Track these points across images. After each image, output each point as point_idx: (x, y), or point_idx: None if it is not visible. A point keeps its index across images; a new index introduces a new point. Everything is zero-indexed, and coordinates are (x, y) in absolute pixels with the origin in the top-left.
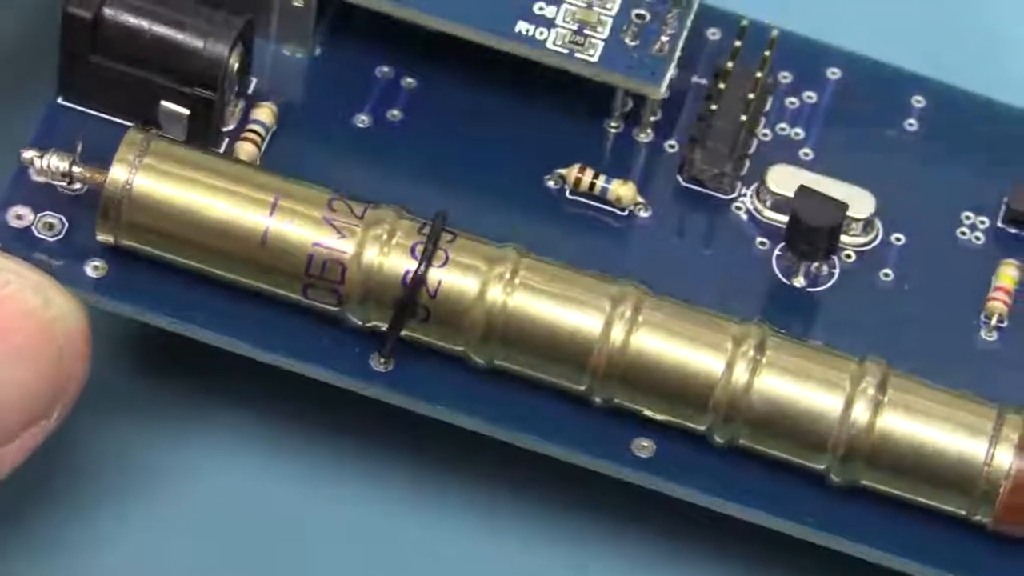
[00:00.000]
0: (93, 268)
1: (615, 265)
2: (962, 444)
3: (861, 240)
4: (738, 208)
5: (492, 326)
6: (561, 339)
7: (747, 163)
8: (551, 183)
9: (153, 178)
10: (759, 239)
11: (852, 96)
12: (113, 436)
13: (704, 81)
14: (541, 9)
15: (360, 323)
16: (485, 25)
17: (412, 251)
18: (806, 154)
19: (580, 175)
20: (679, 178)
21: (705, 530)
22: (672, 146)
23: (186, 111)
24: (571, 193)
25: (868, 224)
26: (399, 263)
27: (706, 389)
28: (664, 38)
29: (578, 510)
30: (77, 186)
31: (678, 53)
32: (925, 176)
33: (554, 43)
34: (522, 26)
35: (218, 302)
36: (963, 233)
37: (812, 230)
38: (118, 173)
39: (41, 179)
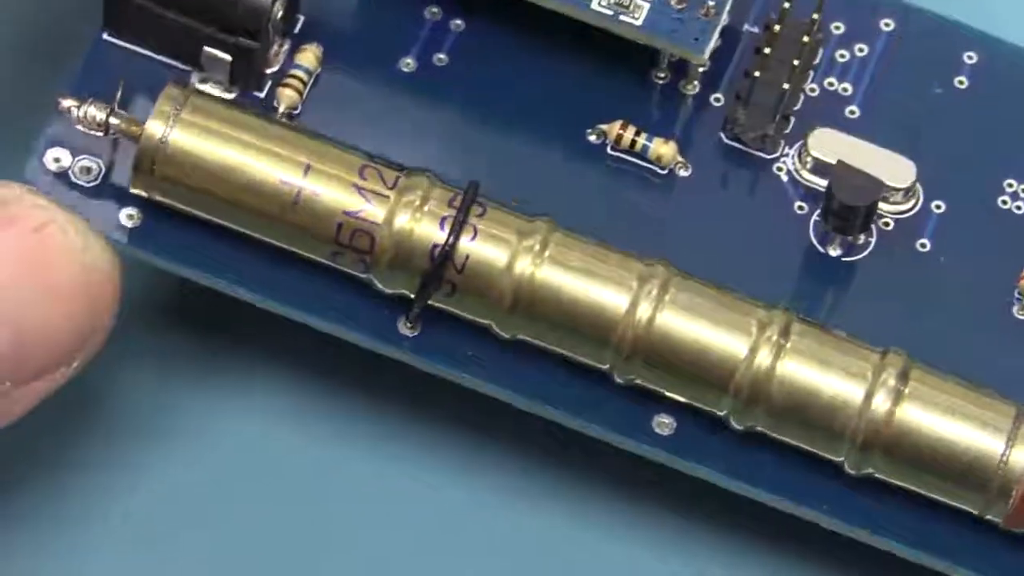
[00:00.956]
0: (128, 217)
1: (651, 223)
2: (979, 441)
3: (900, 208)
4: (779, 169)
5: (518, 300)
6: (585, 315)
7: (792, 120)
8: (593, 137)
9: (189, 134)
10: (797, 203)
11: (904, 50)
12: (137, 384)
13: (756, 30)
14: None
15: (387, 291)
16: None
17: (441, 224)
18: (852, 112)
19: (622, 132)
20: (722, 135)
21: (721, 507)
22: (718, 99)
23: (228, 57)
24: (612, 149)
25: (908, 192)
26: (428, 234)
27: (728, 372)
28: (711, 2)
29: (596, 479)
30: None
31: (724, 18)
32: (970, 139)
33: (599, 4)
34: None
35: (250, 259)
36: (1004, 202)
37: (847, 208)
38: (154, 127)
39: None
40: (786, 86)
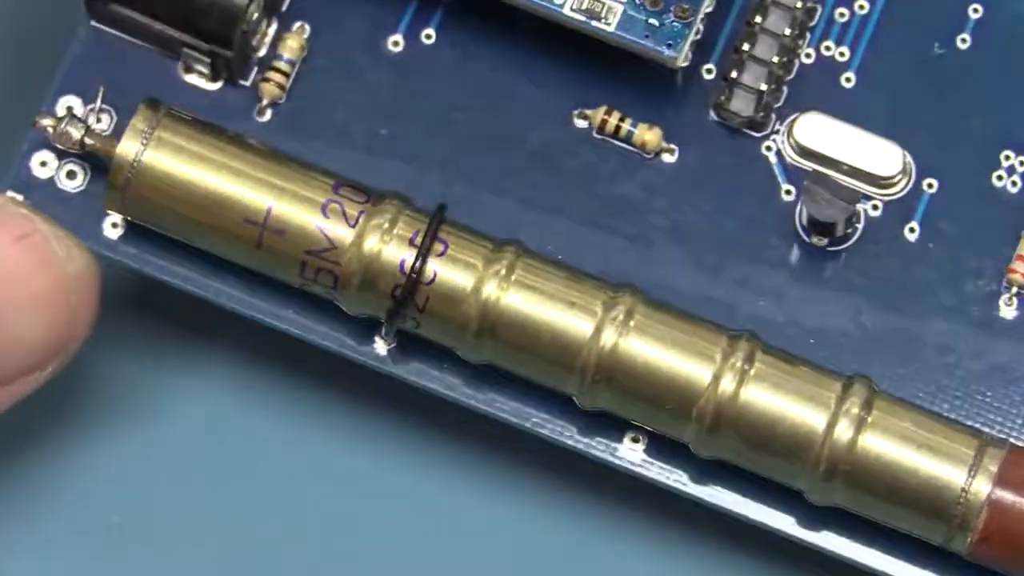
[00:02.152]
0: (112, 225)
1: (635, 207)
2: (940, 472)
3: (889, 192)
4: (768, 148)
5: (483, 326)
6: (549, 341)
7: (785, 91)
8: (579, 121)
9: (162, 155)
10: (785, 187)
11: (907, 6)
12: (114, 372)
13: None
14: None
15: (353, 314)
16: None
17: (401, 266)
18: (848, 80)
19: (606, 117)
20: (711, 112)
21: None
22: (709, 71)
23: (207, 59)
24: (597, 134)
25: (897, 176)
26: (393, 262)
27: (691, 399)
28: (685, 3)
29: (562, 471)
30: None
31: (701, 16)
32: (969, 106)
33: (571, 8)
34: None
35: (228, 273)
36: (999, 178)
37: (821, 222)
38: (127, 147)
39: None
40: (775, 59)
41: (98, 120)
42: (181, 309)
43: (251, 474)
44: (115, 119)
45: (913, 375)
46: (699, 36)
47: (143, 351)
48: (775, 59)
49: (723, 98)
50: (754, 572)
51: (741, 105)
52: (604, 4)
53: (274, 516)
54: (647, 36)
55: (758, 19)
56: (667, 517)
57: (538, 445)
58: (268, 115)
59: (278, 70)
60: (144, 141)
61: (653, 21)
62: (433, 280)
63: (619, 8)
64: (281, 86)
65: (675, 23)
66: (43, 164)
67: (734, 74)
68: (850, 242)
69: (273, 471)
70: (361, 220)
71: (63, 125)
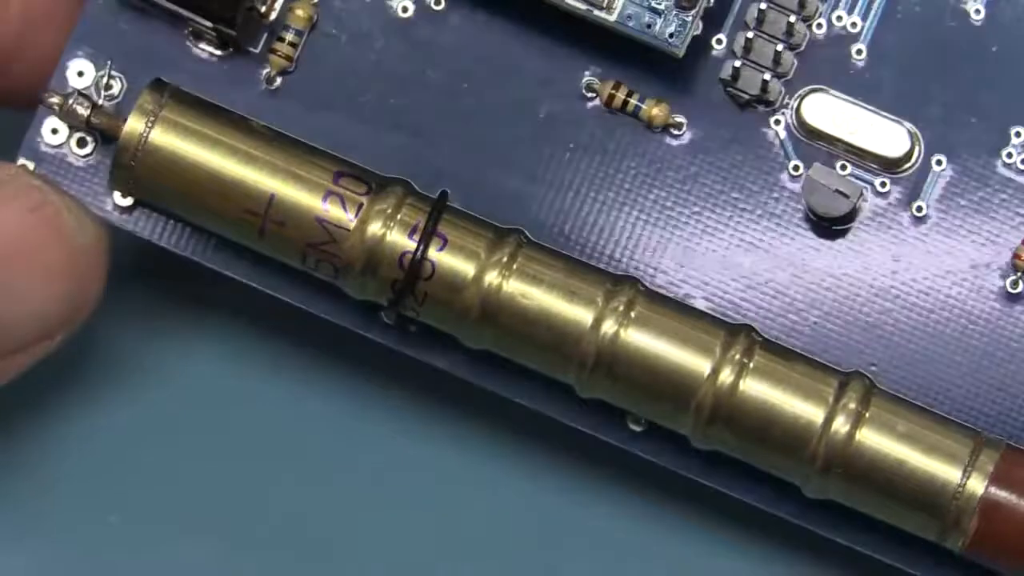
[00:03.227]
0: (121, 194)
1: (644, 182)
2: (935, 469)
3: (897, 171)
4: (776, 122)
5: (485, 313)
6: (550, 328)
7: (794, 64)
8: (588, 93)
9: (168, 135)
10: (793, 163)
11: None
12: (114, 340)
13: None
14: None
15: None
16: None
17: (400, 261)
18: (859, 52)
19: (614, 92)
20: (720, 85)
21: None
22: (719, 41)
23: (214, 35)
24: (605, 108)
25: (903, 157)
26: (394, 251)
27: (690, 390)
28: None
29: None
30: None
31: (702, 7)
32: (981, 83)
33: None
34: None
35: (236, 246)
36: (1008, 156)
37: (822, 217)
38: (134, 125)
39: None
40: (779, 48)
41: (107, 88)
42: (184, 280)
43: (249, 441)
44: (125, 86)
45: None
46: (699, 31)
47: (144, 320)
48: (783, 36)
49: (730, 75)
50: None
51: (748, 83)
52: None
53: (272, 485)
54: (649, 26)
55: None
56: (667, 493)
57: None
58: (278, 82)
59: (285, 41)
60: (150, 122)
61: (654, 11)
62: (432, 274)
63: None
64: (288, 57)
65: (677, 14)
66: (54, 132)
67: (740, 53)
68: (855, 222)
69: (270, 439)
70: (360, 213)
71: (70, 103)
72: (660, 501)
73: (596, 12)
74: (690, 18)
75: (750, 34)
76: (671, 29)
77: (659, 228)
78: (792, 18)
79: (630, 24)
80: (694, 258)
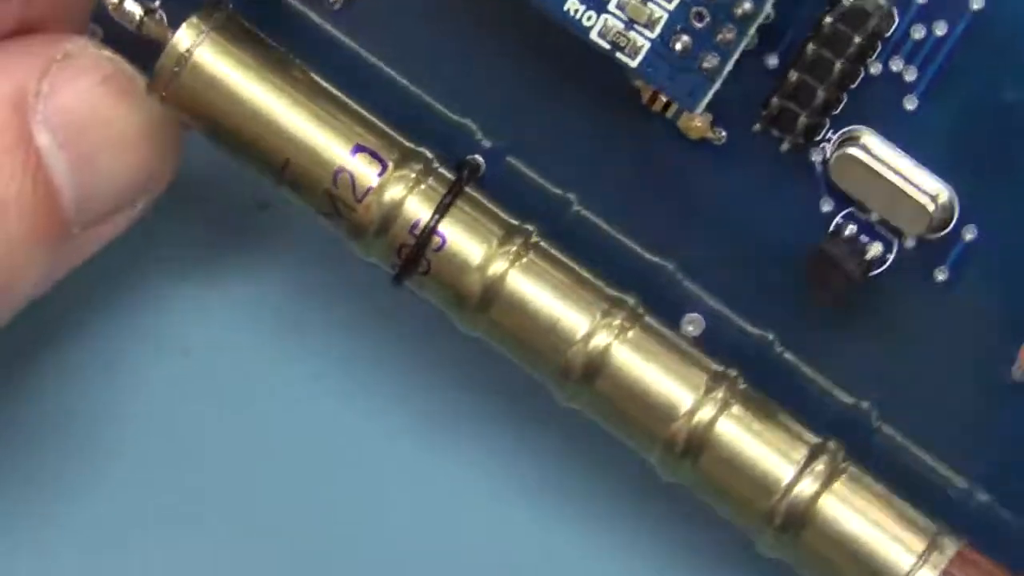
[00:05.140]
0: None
1: (673, 192)
2: (887, 554)
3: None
4: (814, 158)
5: (486, 298)
6: (541, 330)
7: (844, 99)
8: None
9: (213, 54)
10: (824, 200)
11: (987, 37)
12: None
13: None
14: None
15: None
16: None
17: (412, 230)
18: (910, 102)
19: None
20: (763, 111)
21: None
22: (773, 64)
23: None
24: (647, 103)
25: (936, 220)
26: (404, 225)
27: (666, 421)
28: (714, 58)
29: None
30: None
31: (727, 71)
32: None
33: (599, 34)
34: (572, 4)
35: None
36: None
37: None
38: (183, 37)
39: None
40: (821, 95)
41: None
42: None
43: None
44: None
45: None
46: (718, 87)
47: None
48: (832, 80)
49: (772, 110)
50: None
51: (791, 119)
52: (630, 39)
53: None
54: (670, 79)
55: (811, 47)
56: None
57: None
58: (340, 3)
59: None
60: (199, 37)
61: (677, 66)
62: (442, 246)
63: (645, 45)
64: None
65: (700, 73)
66: None
67: (781, 99)
68: (880, 269)
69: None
70: (366, 198)
71: (126, 4)
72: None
73: (619, 54)
74: (712, 81)
75: (797, 78)
76: (690, 87)
77: (687, 230)
78: (838, 67)
79: (649, 71)
80: None
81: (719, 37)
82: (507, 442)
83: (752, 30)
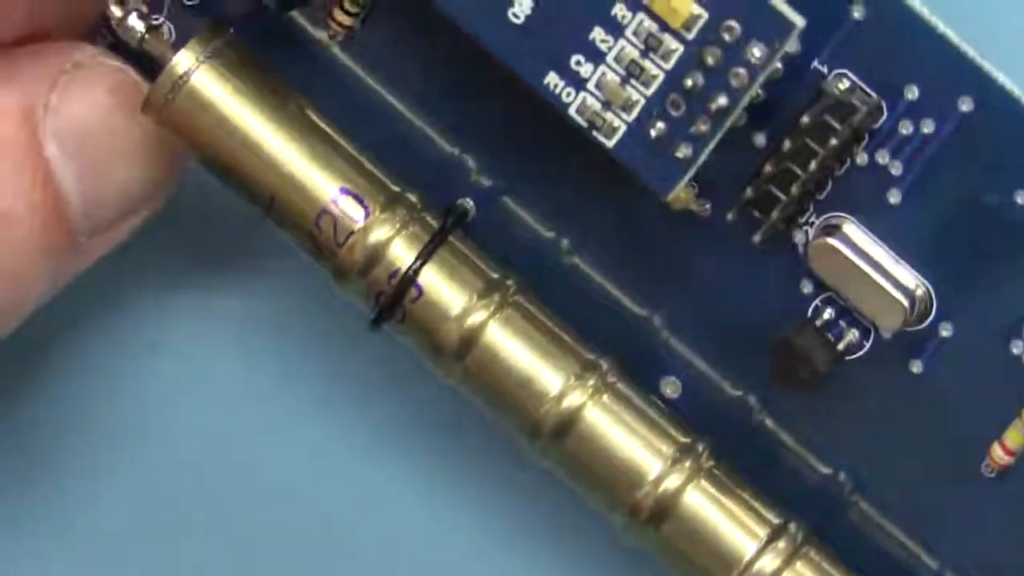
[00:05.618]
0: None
1: (658, 255)
2: None
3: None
4: (796, 239)
5: (461, 350)
6: (518, 383)
7: (828, 186)
8: None
9: (210, 79)
10: (804, 281)
11: (973, 139)
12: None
13: (824, 68)
14: (579, 64)
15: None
16: (518, 62)
17: (391, 278)
18: (893, 196)
19: None
20: (748, 191)
21: None
22: (760, 143)
23: None
24: None
25: (912, 317)
26: (400, 254)
27: (631, 488)
28: (687, 148)
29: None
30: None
31: (702, 159)
32: (1011, 269)
33: (577, 111)
34: (552, 79)
35: None
36: (1015, 348)
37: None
38: (182, 60)
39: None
40: (794, 191)
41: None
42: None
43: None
44: (174, 36)
45: None
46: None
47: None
48: (812, 172)
49: (753, 195)
50: None
51: (768, 209)
52: (606, 120)
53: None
54: (644, 163)
55: (787, 143)
56: None
57: None
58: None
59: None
60: (199, 60)
61: (652, 151)
62: (419, 297)
63: (621, 127)
64: (350, 28)
65: (674, 161)
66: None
67: (763, 183)
68: (855, 355)
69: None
70: (349, 242)
71: (129, 17)
72: None
73: (595, 133)
74: (686, 170)
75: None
76: (664, 173)
77: (665, 293)
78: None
79: (624, 153)
80: None
81: (694, 129)
82: (502, 467)
83: (728, 123)
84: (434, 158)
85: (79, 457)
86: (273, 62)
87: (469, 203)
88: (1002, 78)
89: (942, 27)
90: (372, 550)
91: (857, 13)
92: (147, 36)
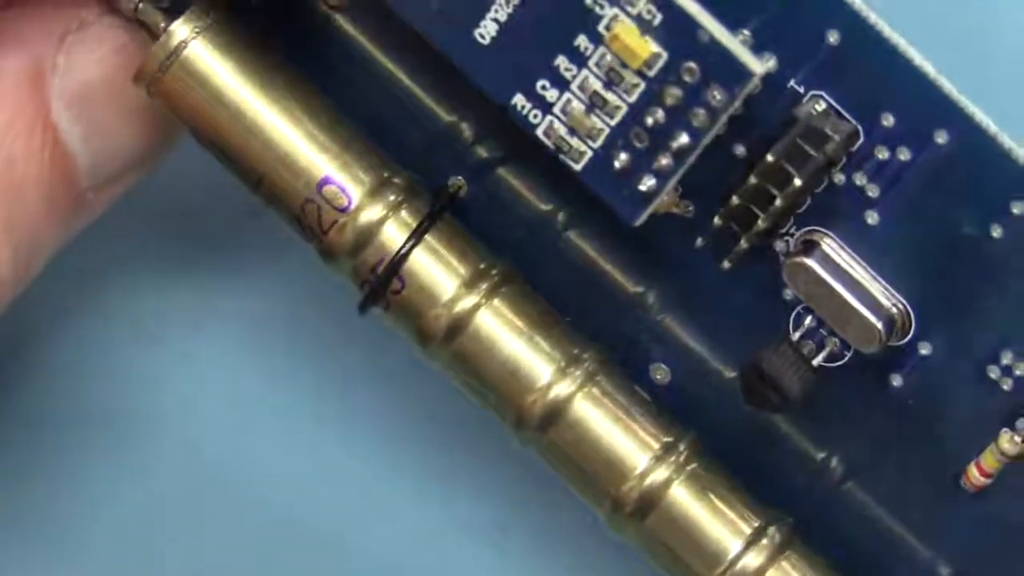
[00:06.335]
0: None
1: (644, 243)
2: None
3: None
4: (778, 248)
5: (447, 337)
6: (505, 373)
7: (808, 201)
8: None
9: (206, 50)
10: (787, 290)
11: (949, 172)
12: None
13: (801, 89)
14: (544, 89)
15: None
16: (487, 82)
17: (375, 268)
18: (870, 217)
19: None
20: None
21: None
22: (740, 152)
23: None
24: None
25: (886, 337)
26: (384, 243)
27: (618, 480)
28: (650, 180)
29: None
30: None
31: (666, 191)
32: (983, 295)
33: (543, 133)
34: (519, 100)
35: None
36: (992, 373)
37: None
38: (178, 31)
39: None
40: (761, 224)
41: None
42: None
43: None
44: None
45: None
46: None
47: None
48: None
49: (731, 208)
50: None
51: (747, 224)
52: (572, 145)
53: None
54: (610, 191)
55: (752, 179)
56: None
57: None
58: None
59: None
60: (195, 32)
61: (618, 180)
62: (401, 289)
63: (587, 153)
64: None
65: (639, 192)
66: None
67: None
68: (838, 363)
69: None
70: (332, 232)
71: None
72: None
73: (563, 156)
74: (650, 200)
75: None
76: (630, 202)
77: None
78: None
79: (591, 179)
80: None
81: (656, 165)
82: (496, 461)
83: (691, 160)
84: (431, 129)
85: (76, 456)
86: (270, 30)
87: (460, 181)
88: (979, 113)
89: (919, 59)
90: (369, 545)
91: (832, 39)
92: (141, 5)
